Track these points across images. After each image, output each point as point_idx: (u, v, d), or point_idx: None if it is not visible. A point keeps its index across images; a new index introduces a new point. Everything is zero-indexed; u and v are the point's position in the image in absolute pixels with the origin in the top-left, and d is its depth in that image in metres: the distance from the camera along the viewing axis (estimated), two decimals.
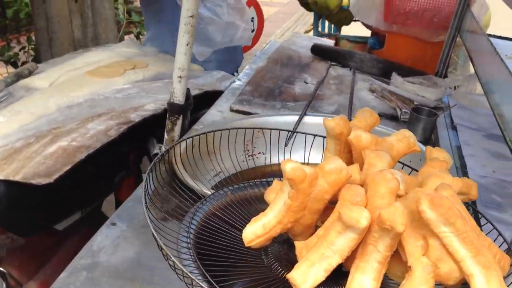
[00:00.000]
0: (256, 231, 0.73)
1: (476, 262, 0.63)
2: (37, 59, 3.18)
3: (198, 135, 0.97)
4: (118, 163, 1.54)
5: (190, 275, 0.60)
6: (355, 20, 3.64)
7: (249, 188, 0.90)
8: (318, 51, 2.14)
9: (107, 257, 0.89)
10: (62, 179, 1.15)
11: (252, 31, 4.32)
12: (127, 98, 1.51)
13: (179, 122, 1.32)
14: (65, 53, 2.76)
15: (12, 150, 1.24)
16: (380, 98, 1.75)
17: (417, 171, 0.92)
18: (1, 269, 1.26)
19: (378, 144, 0.81)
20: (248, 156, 1.35)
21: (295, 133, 1.08)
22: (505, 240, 0.74)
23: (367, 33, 3.25)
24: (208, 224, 0.78)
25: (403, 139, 0.81)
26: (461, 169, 1.29)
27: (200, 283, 0.59)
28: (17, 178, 1.12)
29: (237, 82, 1.81)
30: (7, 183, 1.13)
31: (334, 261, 0.66)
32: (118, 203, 1.78)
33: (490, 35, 1.48)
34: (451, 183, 0.73)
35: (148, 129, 1.45)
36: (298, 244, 0.72)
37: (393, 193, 0.68)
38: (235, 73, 2.05)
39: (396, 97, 1.75)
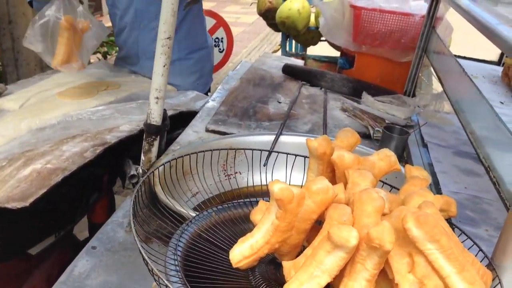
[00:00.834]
0: (243, 252, 0.73)
1: (461, 278, 0.64)
2: (1, 80, 3.11)
3: (181, 157, 0.97)
4: (92, 185, 1.51)
5: None
6: (321, 40, 3.72)
7: (233, 208, 0.90)
8: (290, 71, 2.17)
9: (89, 282, 0.87)
10: (37, 202, 1.13)
11: (222, 51, 4.36)
12: (101, 120, 1.49)
13: (156, 143, 1.32)
14: (31, 73, 2.72)
15: None
16: (352, 117, 1.79)
17: (396, 188, 0.94)
18: None
19: (360, 163, 0.83)
20: (225, 176, 1.35)
21: (277, 153, 1.08)
22: (486, 256, 0.76)
23: (333, 52, 3.34)
24: (194, 245, 0.78)
25: (385, 158, 0.83)
26: (434, 186, 1.32)
27: None
28: None
29: (211, 102, 1.82)
30: None
31: (323, 281, 0.67)
32: (91, 225, 1.75)
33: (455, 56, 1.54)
34: (433, 201, 0.75)
35: (123, 151, 1.44)
36: (286, 264, 0.73)
37: (379, 212, 0.69)
38: (208, 93, 2.05)
39: (368, 115, 1.79)
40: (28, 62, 2.73)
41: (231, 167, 1.35)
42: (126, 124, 1.47)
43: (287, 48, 3.96)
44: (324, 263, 0.66)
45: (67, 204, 1.39)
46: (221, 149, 1.06)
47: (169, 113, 1.49)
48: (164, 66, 1.22)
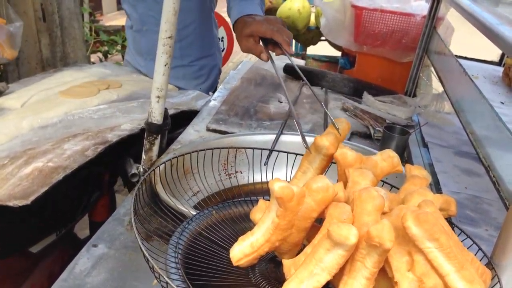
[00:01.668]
0: (244, 250, 0.73)
1: (460, 277, 0.65)
2: (3, 78, 3.12)
3: (182, 155, 0.97)
4: (93, 183, 1.52)
5: None
6: (321, 40, 3.72)
7: (234, 206, 0.90)
8: (291, 71, 2.17)
9: (90, 279, 0.87)
10: (38, 200, 1.13)
11: (222, 50, 4.36)
12: (102, 118, 1.49)
13: (157, 142, 1.32)
14: (32, 72, 2.73)
15: None
16: (353, 117, 1.79)
17: (396, 188, 0.95)
18: None
19: (362, 162, 0.83)
20: (226, 175, 1.36)
21: (278, 152, 1.09)
22: (485, 255, 0.77)
23: (333, 52, 3.34)
24: (195, 243, 0.78)
25: (387, 159, 0.83)
26: (435, 186, 1.32)
27: None
28: None
29: (212, 102, 1.82)
30: None
31: (322, 278, 0.67)
32: (92, 224, 1.75)
33: (456, 56, 1.54)
34: (433, 200, 0.75)
35: (124, 149, 1.44)
36: (286, 262, 0.73)
37: (379, 210, 0.69)
38: (210, 93, 2.06)
39: (369, 115, 1.79)
40: (29, 61, 2.74)
41: (232, 166, 1.36)
42: (127, 123, 1.47)
43: None
44: (324, 261, 0.66)
45: (68, 203, 1.39)
46: (221, 148, 1.06)
47: (170, 112, 1.49)
48: (165, 65, 1.23)
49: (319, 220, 0.76)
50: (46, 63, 2.79)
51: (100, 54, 4.15)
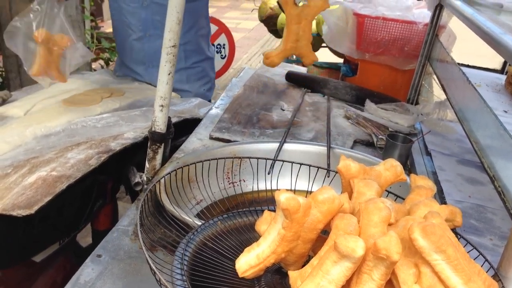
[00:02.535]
0: (250, 261, 0.73)
1: None
2: (4, 86, 3.12)
3: (187, 165, 0.97)
4: (97, 192, 1.52)
5: None
6: (322, 46, 3.73)
7: (238, 217, 0.90)
8: (293, 79, 2.18)
9: None
10: (42, 209, 1.13)
11: (224, 57, 4.37)
12: (105, 127, 1.50)
13: (161, 151, 1.32)
14: (34, 80, 2.72)
15: None
16: (355, 125, 1.79)
17: (401, 198, 0.94)
18: None
19: (366, 173, 0.83)
20: (229, 183, 1.35)
21: (282, 162, 1.09)
22: (491, 266, 0.77)
23: (334, 59, 3.35)
24: (200, 254, 0.78)
25: (391, 168, 0.83)
26: (438, 194, 1.32)
27: None
28: None
29: (215, 109, 1.82)
30: None
31: None
32: (94, 232, 1.75)
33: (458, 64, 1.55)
34: (439, 211, 0.75)
35: (127, 158, 1.44)
36: (292, 273, 0.73)
37: (386, 222, 0.69)
38: (211, 100, 2.06)
39: (371, 123, 1.79)
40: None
41: (235, 174, 1.35)
42: (130, 131, 1.47)
43: None
44: (331, 273, 0.66)
45: (71, 211, 1.39)
46: (225, 158, 1.06)
47: (173, 120, 1.50)
48: (169, 74, 1.23)
49: (325, 231, 0.76)
50: None
51: (101, 62, 4.16)
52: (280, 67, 2.49)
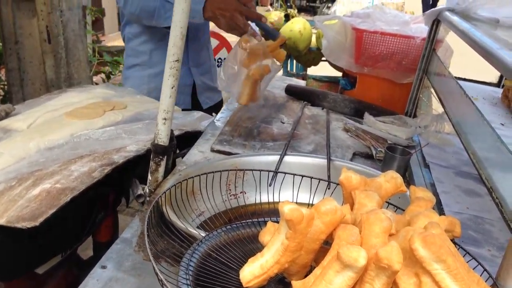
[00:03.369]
0: (254, 271, 0.75)
1: None
2: (7, 99, 3.15)
3: (191, 178, 0.99)
4: (99, 204, 1.53)
5: None
6: (322, 60, 3.76)
7: (242, 228, 0.92)
8: (293, 92, 2.21)
9: None
10: (46, 222, 1.14)
11: None
12: (108, 140, 1.51)
13: (163, 163, 1.34)
14: (37, 93, 2.76)
15: None
16: (354, 137, 1.81)
17: (401, 209, 0.96)
18: None
19: (367, 185, 0.85)
20: (231, 196, 1.37)
21: (284, 174, 1.11)
22: (490, 276, 0.78)
23: (333, 72, 3.38)
24: (204, 265, 0.80)
25: (391, 180, 0.85)
26: (437, 206, 1.34)
27: None
28: (1, 222, 1.11)
29: (216, 122, 1.85)
30: None
31: None
32: (95, 244, 1.76)
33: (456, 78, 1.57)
34: (438, 221, 0.77)
35: (129, 170, 1.46)
36: (295, 283, 0.74)
37: (387, 232, 0.71)
38: (213, 114, 2.08)
39: (370, 136, 1.81)
40: (34, 82, 2.77)
41: (237, 187, 1.37)
42: (133, 144, 1.49)
43: (288, 68, 4.01)
44: (334, 283, 0.68)
45: (75, 223, 1.41)
46: (227, 170, 1.08)
47: (175, 133, 1.52)
48: (172, 87, 1.25)
49: (327, 242, 0.78)
50: (50, 84, 2.82)
51: (103, 75, 4.19)
52: (280, 81, 2.53)
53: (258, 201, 1.32)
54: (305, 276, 0.81)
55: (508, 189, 0.91)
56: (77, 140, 1.51)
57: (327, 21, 2.18)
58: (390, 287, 0.68)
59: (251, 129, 1.76)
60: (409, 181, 1.57)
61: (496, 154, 1.04)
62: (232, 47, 1.95)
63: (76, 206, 1.30)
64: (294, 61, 3.99)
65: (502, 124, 1.36)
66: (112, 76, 4.22)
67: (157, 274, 0.65)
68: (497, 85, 1.92)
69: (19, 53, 2.71)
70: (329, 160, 1.44)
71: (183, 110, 2.01)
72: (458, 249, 0.88)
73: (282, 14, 3.82)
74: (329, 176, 1.37)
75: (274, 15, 3.68)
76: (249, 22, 1.70)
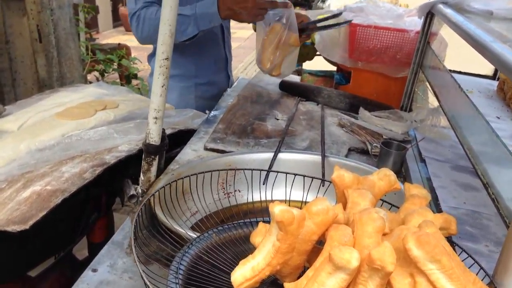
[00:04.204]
0: (245, 274, 0.73)
1: None
2: None
3: (182, 178, 0.97)
4: (91, 205, 1.51)
5: None
6: (317, 55, 3.74)
7: (233, 229, 0.90)
8: (287, 88, 2.18)
9: None
10: (37, 224, 1.12)
11: None
12: (100, 140, 1.49)
13: (155, 163, 1.32)
14: (29, 93, 2.73)
15: None
16: (349, 133, 1.80)
17: (396, 206, 0.95)
18: None
19: (360, 183, 0.83)
20: (224, 194, 1.35)
21: (277, 173, 1.09)
22: (487, 274, 0.77)
23: (328, 66, 3.36)
24: (195, 268, 0.78)
25: (384, 178, 0.84)
26: (433, 201, 1.32)
27: None
28: None
29: (209, 120, 1.83)
30: None
31: None
32: (90, 245, 1.74)
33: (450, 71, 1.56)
34: (433, 219, 0.75)
35: (121, 170, 1.44)
36: (288, 286, 0.73)
37: (380, 232, 0.69)
38: (206, 111, 2.06)
39: (365, 131, 1.80)
40: (26, 82, 2.75)
41: (230, 185, 1.35)
42: (125, 144, 1.47)
43: None
44: (326, 285, 0.66)
45: (66, 225, 1.39)
46: (219, 170, 1.06)
47: (168, 131, 1.49)
48: (162, 86, 1.23)
49: (320, 242, 0.76)
50: (43, 84, 2.80)
51: (97, 73, 4.16)
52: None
53: (251, 200, 1.31)
54: (298, 277, 0.79)
55: (503, 184, 0.90)
56: (68, 140, 1.49)
57: (320, 15, 2.16)
58: None
59: (244, 126, 1.74)
60: (405, 176, 1.55)
61: (491, 148, 1.03)
62: None
63: (67, 207, 1.28)
64: None
65: (498, 118, 1.35)
66: (106, 74, 4.19)
67: (142, 277, 0.64)
68: (493, 77, 1.91)
69: (10, 53, 2.68)
70: (323, 157, 1.43)
71: None
72: (454, 247, 0.87)
73: None
74: (323, 174, 1.35)
75: None
76: None
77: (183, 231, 0.94)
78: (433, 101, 2.11)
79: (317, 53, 3.70)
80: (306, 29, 1.93)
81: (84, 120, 1.65)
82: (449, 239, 0.90)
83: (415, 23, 1.98)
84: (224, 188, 1.35)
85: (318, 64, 3.86)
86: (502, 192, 0.89)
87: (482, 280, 0.72)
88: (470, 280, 0.67)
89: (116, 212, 2.90)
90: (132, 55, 4.82)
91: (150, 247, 1.05)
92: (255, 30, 2.00)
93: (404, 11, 2.09)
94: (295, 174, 1.09)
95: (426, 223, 0.72)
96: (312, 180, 1.09)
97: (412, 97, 1.97)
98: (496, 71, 1.92)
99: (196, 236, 0.86)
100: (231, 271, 0.78)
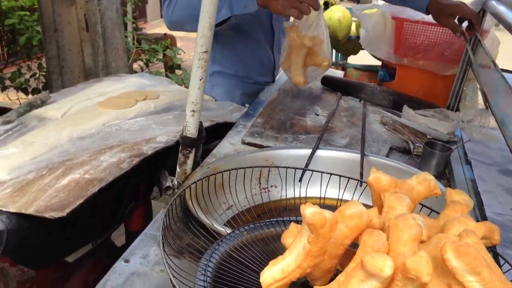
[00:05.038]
0: (274, 275, 0.71)
1: None
2: (47, 87, 3.21)
3: (214, 174, 0.96)
4: (129, 194, 1.53)
5: None
6: (362, 49, 3.67)
7: (265, 227, 0.88)
8: (329, 83, 2.14)
9: None
10: (74, 212, 1.14)
11: None
12: (139, 130, 1.51)
13: (192, 155, 1.32)
14: (75, 81, 2.80)
15: (24, 182, 1.23)
16: (391, 131, 1.74)
17: (436, 212, 0.90)
18: None
19: (397, 187, 0.80)
20: (261, 189, 1.34)
21: (312, 172, 1.07)
22: None
23: (373, 61, 3.29)
24: (224, 265, 0.77)
25: (424, 182, 0.80)
26: (478, 206, 1.27)
27: None
28: (30, 211, 1.11)
29: (249, 114, 1.81)
30: (19, 216, 1.12)
31: None
32: (128, 233, 1.76)
33: (502, 70, 1.48)
34: (475, 228, 0.71)
35: (160, 160, 1.45)
36: None
37: (417, 240, 0.66)
38: (246, 105, 2.05)
39: (408, 130, 1.74)
40: (72, 70, 2.81)
41: (266, 180, 1.34)
42: (163, 135, 1.47)
43: None
44: None
45: (103, 214, 1.41)
46: (253, 167, 1.05)
47: (206, 124, 1.49)
48: (200, 79, 1.22)
49: (355, 245, 0.74)
50: (89, 72, 2.86)
51: (141, 63, 4.22)
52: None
53: (285, 197, 1.29)
54: (330, 281, 0.77)
55: None
56: (108, 130, 1.51)
57: (366, 10, 2.10)
58: None
59: (284, 121, 1.72)
60: (448, 178, 1.49)
61: None
62: None
63: (105, 196, 1.30)
64: (333, 50, 3.90)
65: None
66: (150, 64, 4.24)
67: (168, 272, 0.63)
68: None
69: (58, 41, 2.75)
70: (362, 155, 1.39)
71: None
72: (497, 257, 0.82)
73: (321, 1, 3.72)
74: (361, 173, 1.31)
75: None
76: None
77: (216, 227, 0.93)
78: (482, 101, 2.02)
79: (362, 47, 3.64)
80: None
81: (124, 110, 1.67)
82: (492, 248, 0.85)
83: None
84: (260, 183, 1.33)
85: (363, 58, 3.79)
86: None
87: None
88: None
89: (156, 200, 2.93)
90: (178, 45, 4.87)
91: (183, 240, 1.05)
92: None
93: None
94: (331, 174, 1.06)
95: (467, 233, 0.68)
96: (348, 180, 1.06)
97: (460, 96, 1.89)
98: None
99: (227, 232, 0.85)
100: (260, 270, 0.76)
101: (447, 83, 1.93)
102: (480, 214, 1.24)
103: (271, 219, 0.89)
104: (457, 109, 1.93)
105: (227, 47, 2.09)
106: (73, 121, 1.56)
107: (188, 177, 1.31)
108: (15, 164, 1.31)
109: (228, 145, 1.53)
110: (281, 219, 0.90)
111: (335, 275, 0.76)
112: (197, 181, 0.96)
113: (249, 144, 1.54)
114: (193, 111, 1.26)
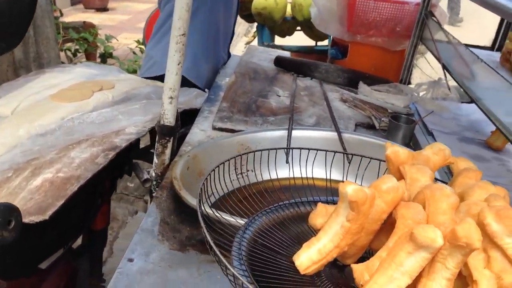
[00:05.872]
0: (311, 257, 0.70)
1: None
2: None
3: (218, 166, 0.92)
4: (98, 191, 1.45)
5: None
6: (297, 30, 3.71)
7: (281, 210, 0.87)
8: (282, 63, 2.14)
9: None
10: (53, 214, 1.06)
11: None
12: (104, 123, 1.42)
13: (170, 145, 1.27)
14: (4, 75, 2.59)
15: None
16: (353, 108, 1.78)
17: (443, 182, 0.93)
18: None
19: (414, 158, 0.81)
20: (238, 174, 1.31)
21: (300, 150, 1.06)
22: None
23: (308, 42, 3.37)
24: (254, 252, 0.74)
25: (439, 152, 0.82)
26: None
27: None
28: None
29: (211, 98, 1.77)
30: None
31: (403, 283, 0.65)
32: (89, 232, 1.67)
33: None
34: (497, 192, 0.74)
35: (123, 154, 1.37)
36: (356, 267, 0.70)
37: (454, 208, 0.68)
38: (206, 90, 2.00)
39: (369, 105, 1.78)
40: (1, 63, 2.60)
41: (243, 165, 1.31)
42: (131, 126, 1.40)
43: (263, 39, 3.92)
44: (405, 265, 0.64)
45: (79, 213, 1.32)
46: (241, 154, 1.02)
47: None
48: (178, 64, 1.17)
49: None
50: (19, 65, 2.65)
51: (68, 53, 3.98)
52: (265, 53, 2.45)
53: (269, 178, 1.27)
54: (359, 259, 0.77)
55: None
56: (70, 124, 1.42)
57: None
58: (463, 265, 0.65)
59: (248, 104, 1.70)
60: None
61: None
62: None
63: (80, 195, 1.22)
64: (267, 30, 3.90)
65: None
66: (78, 54, 4.02)
67: (220, 262, 0.60)
68: (491, 48, 1.91)
69: None
70: (339, 132, 1.40)
71: None
72: None
73: None
74: (344, 148, 1.33)
75: None
76: None
77: (228, 217, 0.89)
78: (431, 74, 2.11)
79: (297, 28, 3.68)
80: None
81: (82, 102, 1.56)
82: None
83: None
84: (237, 168, 1.30)
85: (298, 39, 3.83)
86: None
87: None
88: None
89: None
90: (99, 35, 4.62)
91: (181, 233, 1.02)
92: None
93: None
94: (317, 150, 1.04)
95: (494, 197, 0.71)
96: (334, 154, 1.05)
97: (411, 70, 1.96)
98: (494, 42, 1.93)
99: (247, 219, 0.82)
100: (288, 254, 0.75)
101: (398, 58, 2.00)
102: None
103: (285, 202, 0.87)
104: (409, 83, 2.00)
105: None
106: (28, 117, 1.44)
107: (168, 167, 1.26)
108: None
109: (199, 132, 1.49)
110: (294, 201, 0.88)
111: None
112: (216, 167, 0.91)
113: (220, 129, 1.51)
114: (171, 97, 1.21)
